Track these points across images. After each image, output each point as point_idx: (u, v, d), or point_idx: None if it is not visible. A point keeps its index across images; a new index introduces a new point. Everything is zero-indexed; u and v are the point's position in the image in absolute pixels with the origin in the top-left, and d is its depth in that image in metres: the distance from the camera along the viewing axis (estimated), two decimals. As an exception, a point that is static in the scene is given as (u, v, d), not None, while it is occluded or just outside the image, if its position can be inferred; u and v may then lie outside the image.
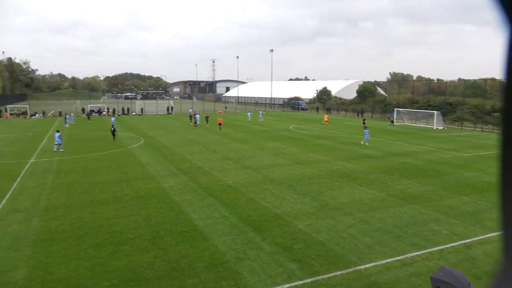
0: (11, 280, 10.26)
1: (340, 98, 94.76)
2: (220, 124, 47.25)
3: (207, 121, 52.66)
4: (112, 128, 36.78)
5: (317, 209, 16.17)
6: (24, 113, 67.71)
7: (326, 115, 57.01)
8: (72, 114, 59.87)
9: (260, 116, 66.09)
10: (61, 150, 30.19)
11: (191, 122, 52.86)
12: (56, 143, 30.26)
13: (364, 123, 48.44)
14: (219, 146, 33.39)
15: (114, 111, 72.99)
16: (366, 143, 34.08)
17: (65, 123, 51.93)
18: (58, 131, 31.35)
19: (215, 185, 20.08)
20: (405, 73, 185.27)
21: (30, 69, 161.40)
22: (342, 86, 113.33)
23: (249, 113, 67.44)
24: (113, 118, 50.08)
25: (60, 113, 70.65)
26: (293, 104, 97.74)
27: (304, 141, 37.43)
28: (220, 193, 18.47)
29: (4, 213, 15.63)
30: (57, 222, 14.50)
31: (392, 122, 52.86)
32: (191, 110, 72.16)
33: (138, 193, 18.54)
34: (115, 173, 22.77)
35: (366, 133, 34.38)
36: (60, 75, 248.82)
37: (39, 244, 12.54)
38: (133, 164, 25.49)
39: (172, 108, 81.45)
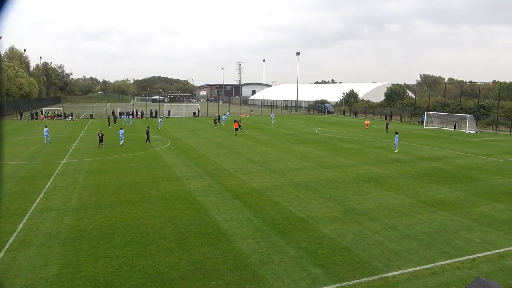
0: (43, 276, 10.66)
1: (368, 101, 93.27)
2: (236, 129, 44.85)
3: (240, 126, 48.73)
4: (147, 130, 37.80)
5: (342, 214, 15.94)
6: (70, 115, 69.66)
7: (367, 121, 55.54)
8: (130, 117, 61.91)
9: (272, 118, 65.81)
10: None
11: (215, 125, 53.03)
12: (121, 139, 35.66)
13: (387, 128, 46.69)
14: (244, 149, 33.52)
15: (142, 113, 74.75)
16: (396, 150, 32.89)
17: (128, 122, 57.22)
18: (121, 129, 36.89)
19: (240, 187, 20.15)
20: (435, 75, 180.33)
21: (64, 73, 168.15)
22: (370, 89, 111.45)
23: (272, 115, 67.50)
24: (159, 120, 54.51)
25: (91, 116, 73.12)
26: (319, 107, 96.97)
27: (330, 144, 37.03)
28: (245, 196, 18.52)
29: (38, 211, 16.28)
30: (87, 221, 14.96)
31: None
32: (227, 113, 73.06)
33: (164, 194, 18.86)
34: (142, 174, 23.26)
35: (396, 138, 33.18)
36: (92, 78, 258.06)
37: (69, 242, 12.97)
38: (160, 166, 25.95)
39: (198, 111, 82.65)
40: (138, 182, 21.24)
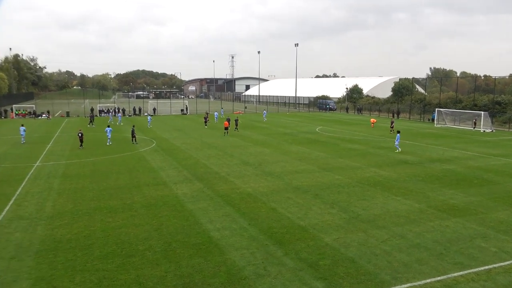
0: (13, 292, 10.54)
1: (373, 97, 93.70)
2: (226, 128, 44.55)
3: (236, 125, 48.46)
4: (133, 129, 37.67)
5: (346, 221, 15.96)
6: (46, 113, 68.95)
7: (373, 119, 55.73)
8: (119, 114, 61.97)
9: (264, 116, 65.92)
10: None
11: (206, 124, 52.92)
12: (108, 137, 36.59)
13: (392, 127, 46.50)
14: (237, 150, 33.50)
15: (124, 111, 74.39)
16: (398, 150, 33.14)
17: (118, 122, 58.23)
18: (108, 127, 37.92)
19: (233, 192, 20.13)
20: (447, 69, 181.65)
21: (37, 67, 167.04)
22: (375, 84, 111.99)
23: (264, 112, 67.55)
24: (149, 117, 54.89)
25: (67, 114, 72.62)
26: (320, 103, 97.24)
27: (332, 145, 37.11)
28: (239, 202, 18.50)
29: (7, 220, 16.12)
30: (62, 231, 14.85)
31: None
32: (222, 110, 72.80)
33: (149, 200, 18.78)
34: (125, 179, 23.15)
35: (398, 137, 33.34)
36: (68, 72, 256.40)
37: (43, 255, 12.85)
38: (144, 169, 25.85)
39: (187, 108, 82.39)
40: (119, 187, 21.13)
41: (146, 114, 75.45)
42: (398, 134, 33.54)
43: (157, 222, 15.79)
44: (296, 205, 18.01)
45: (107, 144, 36.32)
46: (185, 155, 31.08)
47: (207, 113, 58.29)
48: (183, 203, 18.28)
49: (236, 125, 48.67)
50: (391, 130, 45.72)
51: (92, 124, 54.79)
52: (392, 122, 46.95)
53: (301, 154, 31.56)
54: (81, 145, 34.49)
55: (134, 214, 16.79)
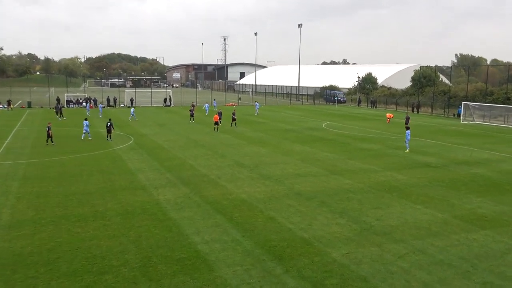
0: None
1: (389, 88, 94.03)
2: (216, 123, 44.48)
3: (234, 119, 47.92)
4: (109, 123, 37.35)
5: (357, 233, 16.00)
6: (8, 103, 68.79)
7: (389, 114, 55.54)
8: (101, 105, 62.53)
9: (257, 108, 66.14)
10: (89, 138, 37.78)
11: (192, 119, 52.75)
12: (84, 131, 37.44)
13: (407, 123, 46.05)
14: (230, 149, 33.50)
15: (95, 101, 74.16)
16: (407, 149, 33.46)
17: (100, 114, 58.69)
18: (86, 119, 38.35)
19: (224, 199, 20.11)
20: (475, 56, 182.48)
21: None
22: (392, 72, 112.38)
23: (257, 104, 67.50)
24: (132, 109, 55.85)
25: (29, 104, 72.29)
26: (328, 95, 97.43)
27: (341, 143, 37.16)
28: (231, 210, 18.49)
29: (-43, 229, 16.01)
30: (22, 243, 14.76)
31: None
32: (215, 102, 72.48)
33: (125, 207, 18.72)
34: (97, 182, 23.07)
35: (408, 134, 33.58)
36: (30, 55, 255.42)
37: (-1, 271, 12.78)
38: (120, 171, 25.76)
39: (170, 99, 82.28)
40: (91, 192, 21.06)
41: (125, 105, 75.31)
42: (408, 131, 33.76)
43: (134, 233, 15.74)
44: (298, 214, 18.01)
45: (82, 138, 37.06)
46: (168, 155, 31.01)
47: (193, 105, 58.17)
48: (166, 211, 18.23)
49: (233, 119, 48.08)
50: (406, 128, 44.86)
51: (63, 117, 54.68)
52: (407, 119, 46.53)
53: (305, 155, 31.60)
54: (51, 141, 34.42)
55: (108, 223, 16.73)
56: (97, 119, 53.81)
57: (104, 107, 66.90)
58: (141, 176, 24.51)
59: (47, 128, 34.76)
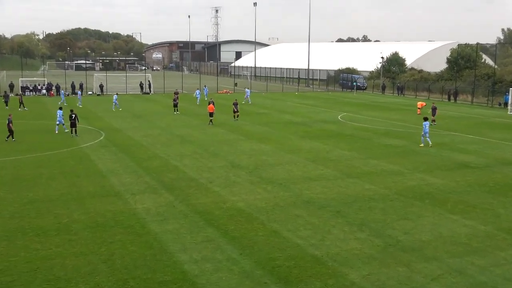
0: None
1: (420, 71, 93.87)
2: (211, 114, 44.60)
3: (236, 111, 47.65)
4: (73, 116, 37.20)
5: (380, 250, 16.04)
6: None
7: (421, 102, 54.88)
8: (79, 92, 63.25)
9: (247, 96, 66.18)
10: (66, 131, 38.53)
11: (176, 109, 52.77)
12: (58, 122, 38.41)
13: (433, 115, 45.23)
14: (224, 147, 33.55)
15: (58, 88, 74.12)
16: (422, 144, 33.81)
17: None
18: (60, 109, 39.35)
19: (217, 208, 20.14)
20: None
21: None
22: (423, 52, 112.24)
23: (247, 91, 67.65)
24: (115, 97, 56.87)
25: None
26: (344, 79, 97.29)
27: (361, 139, 37.20)
28: (226, 222, 18.52)
29: None
30: (-31, 262, 14.81)
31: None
32: (206, 88, 71.96)
33: (94, 218, 18.73)
34: (60, 187, 23.09)
35: (425, 126, 33.37)
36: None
37: None
38: (88, 173, 25.78)
39: (150, 84, 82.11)
40: (52, 200, 21.08)
41: (94, 92, 75.04)
42: (425, 122, 33.71)
43: (106, 250, 15.79)
44: (308, 227, 18.04)
45: (57, 132, 38.16)
46: (147, 153, 31.05)
47: (176, 93, 58.05)
48: (145, 223, 18.25)
49: (236, 110, 47.56)
50: (433, 121, 44.44)
51: (23, 107, 54.83)
52: (434, 109, 45.95)
53: (316, 153, 31.64)
54: (11, 137, 34.62)
55: (74, 238, 16.77)
56: (45, 110, 53.78)
57: (67, 95, 66.96)
58: (114, 179, 24.52)
59: (7, 121, 34.73)
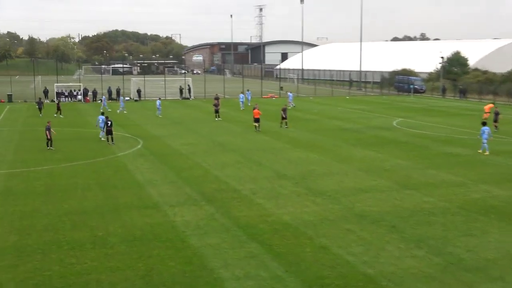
0: None
1: (485, 72, 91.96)
2: (256, 120, 44.72)
3: (284, 117, 47.21)
4: (109, 123, 37.87)
5: (440, 269, 15.74)
6: None
7: (489, 105, 53.33)
8: (104, 97, 65.05)
9: (241, 99, 65.16)
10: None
11: (217, 115, 53.13)
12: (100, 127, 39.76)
13: (495, 121, 44.14)
14: (269, 155, 33.58)
15: (94, 93, 75.63)
16: (481, 150, 33.48)
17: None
18: (102, 114, 40.73)
19: (261, 221, 20.13)
20: None
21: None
22: (488, 51, 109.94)
23: (290, 95, 66.82)
24: (158, 102, 57.73)
25: (9, 97, 74.12)
26: (400, 82, 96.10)
27: (419, 147, 36.71)
28: (270, 237, 18.49)
29: None
30: (2, 277, 15.15)
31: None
32: (248, 93, 72.25)
33: (132, 231, 18.97)
34: (95, 198, 23.49)
35: (485, 132, 33.21)
36: (10, 35, 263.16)
37: (-26, 312, 13.20)
38: (125, 184, 26.17)
39: (190, 89, 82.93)
40: (87, 212, 21.45)
41: (131, 98, 76.35)
42: (484, 128, 33.47)
43: (144, 265, 15.94)
44: (360, 243, 17.87)
45: (102, 138, 39.36)
46: (187, 163, 31.35)
47: (217, 98, 58.43)
48: (184, 237, 18.39)
49: (284, 117, 47.02)
50: (495, 127, 43.50)
51: (60, 114, 56.37)
52: (496, 114, 44.91)
53: (369, 162, 31.37)
54: (49, 144, 35.58)
55: (110, 252, 17.00)
56: (81, 117, 54.74)
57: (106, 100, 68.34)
58: (152, 190, 24.82)
59: (45, 129, 35.66)
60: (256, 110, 45.20)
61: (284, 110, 47.86)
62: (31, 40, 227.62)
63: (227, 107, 61.99)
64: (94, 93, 76.41)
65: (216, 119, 52.78)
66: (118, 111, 59.04)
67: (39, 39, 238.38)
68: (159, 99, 60.17)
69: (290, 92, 70.24)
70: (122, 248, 17.41)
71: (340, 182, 26.51)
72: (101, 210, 21.62)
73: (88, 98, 76.66)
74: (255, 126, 44.59)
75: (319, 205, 22.42)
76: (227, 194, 24.18)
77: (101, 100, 65.40)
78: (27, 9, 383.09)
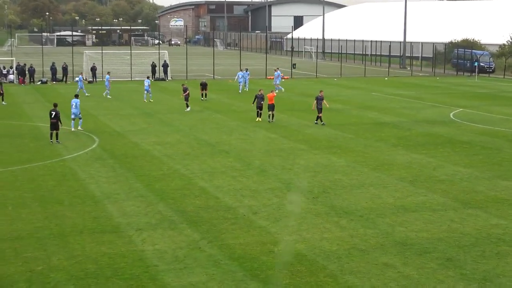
0: None
1: None
2: (271, 106, 45.46)
3: (321, 108, 46.26)
4: (53, 113, 37.61)
5: (515, 319, 15.75)
6: None
7: None
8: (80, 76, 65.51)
9: (240, 80, 66.02)
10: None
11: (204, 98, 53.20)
12: (74, 116, 41.57)
13: None
14: (275, 159, 33.66)
15: (32, 70, 75.36)
16: None
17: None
18: (76, 97, 42.86)
19: (264, 251, 20.12)
20: None
21: None
22: None
23: (239, 74, 67.11)
24: (147, 82, 59.20)
25: None
26: (460, 58, 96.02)
27: (485, 149, 36.82)
28: (277, 273, 18.42)
29: None
30: None
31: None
32: (247, 74, 72.11)
33: (83, 265, 18.89)
34: (32, 218, 23.40)
35: None
36: None
37: None
38: (74, 198, 26.15)
39: (167, 66, 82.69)
40: (21, 237, 21.38)
41: (85, 78, 76.38)
42: None
43: (100, 312, 15.99)
44: (403, 282, 17.84)
45: (74, 129, 40.31)
46: (161, 169, 31.41)
47: (204, 83, 58.57)
48: (156, 274, 18.34)
49: (321, 107, 45.95)
50: None
51: (2, 101, 56.45)
52: None
53: (417, 170, 31.42)
54: None
55: (53, 294, 17.03)
56: (15, 104, 54.72)
57: (45, 82, 68.48)
58: (111, 208, 24.81)
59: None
60: (271, 93, 45.49)
61: (319, 99, 45.89)
62: None
63: (217, 92, 61.92)
64: (31, 71, 76.02)
65: (186, 109, 52.46)
66: (104, 93, 59.51)
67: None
68: (148, 78, 61.13)
69: (278, 70, 69.50)
70: (70, 288, 17.38)
71: (374, 197, 26.54)
72: (41, 235, 21.51)
73: (21, 79, 75.68)
74: (270, 115, 45.29)
75: (345, 229, 22.41)
76: (217, 213, 24.17)
77: (77, 80, 64.63)
78: None
